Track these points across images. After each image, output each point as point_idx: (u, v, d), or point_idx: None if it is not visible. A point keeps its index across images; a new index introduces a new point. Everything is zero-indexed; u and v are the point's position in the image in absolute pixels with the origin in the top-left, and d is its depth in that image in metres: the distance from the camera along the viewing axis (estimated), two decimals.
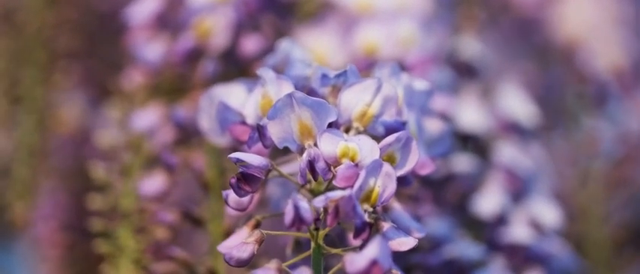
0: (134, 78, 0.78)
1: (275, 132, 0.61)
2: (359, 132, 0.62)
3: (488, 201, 0.78)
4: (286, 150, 0.62)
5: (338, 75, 0.64)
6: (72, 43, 0.92)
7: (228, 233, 0.70)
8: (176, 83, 0.77)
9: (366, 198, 0.59)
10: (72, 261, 1.02)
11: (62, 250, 1.03)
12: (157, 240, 0.72)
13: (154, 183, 0.73)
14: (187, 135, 0.75)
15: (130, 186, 0.75)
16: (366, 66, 0.76)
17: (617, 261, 1.03)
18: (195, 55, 0.75)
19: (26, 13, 0.90)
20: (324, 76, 0.64)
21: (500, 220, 0.78)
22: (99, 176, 0.75)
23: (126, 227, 0.74)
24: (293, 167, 0.64)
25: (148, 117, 0.75)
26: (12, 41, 0.91)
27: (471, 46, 0.84)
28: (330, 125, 0.61)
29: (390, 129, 0.62)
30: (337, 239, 0.64)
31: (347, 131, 0.63)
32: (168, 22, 0.78)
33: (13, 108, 0.91)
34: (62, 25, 0.92)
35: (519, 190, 0.79)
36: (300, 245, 0.65)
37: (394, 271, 0.60)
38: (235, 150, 0.70)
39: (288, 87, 0.62)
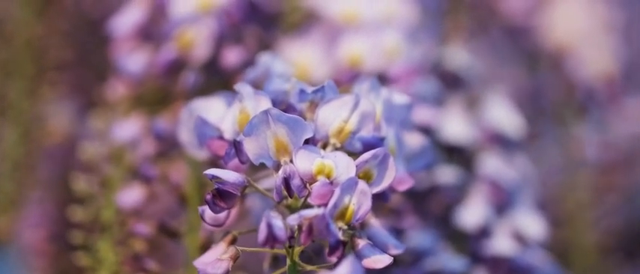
0: (117, 89, 0.77)
1: (251, 148, 0.61)
2: (336, 149, 0.62)
3: (471, 213, 0.78)
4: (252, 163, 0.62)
5: (316, 91, 0.63)
6: (61, 55, 0.91)
7: (204, 247, 0.70)
8: (159, 94, 0.77)
9: (341, 216, 0.59)
10: (60, 270, 1.02)
11: (50, 259, 1.03)
12: (135, 253, 0.72)
13: (132, 194, 0.73)
14: (169, 147, 0.75)
15: (111, 197, 0.74)
16: (350, 77, 0.76)
17: (605, 267, 1.03)
18: (177, 66, 0.75)
19: (15, 24, 0.90)
20: (302, 92, 0.64)
21: (484, 232, 0.78)
22: (80, 188, 0.75)
23: (106, 240, 0.74)
24: (270, 182, 0.64)
25: (130, 129, 0.75)
26: (0, 52, 0.91)
27: (458, 56, 0.84)
28: (307, 141, 0.61)
29: (367, 145, 0.62)
30: (314, 255, 0.64)
31: (324, 147, 0.62)
32: (152, 33, 0.77)
33: None
34: (51, 36, 0.91)
35: (503, 202, 0.79)
36: (277, 261, 0.65)
37: None
38: (214, 163, 0.70)
39: (265, 103, 0.62)
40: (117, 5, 0.80)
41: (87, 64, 0.99)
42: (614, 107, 1.08)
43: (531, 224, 0.79)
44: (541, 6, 1.08)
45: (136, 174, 0.74)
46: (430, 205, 0.79)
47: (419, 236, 0.76)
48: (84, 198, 0.76)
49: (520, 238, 0.78)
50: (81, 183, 0.76)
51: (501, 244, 0.77)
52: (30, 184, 0.91)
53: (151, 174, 0.73)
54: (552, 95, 1.08)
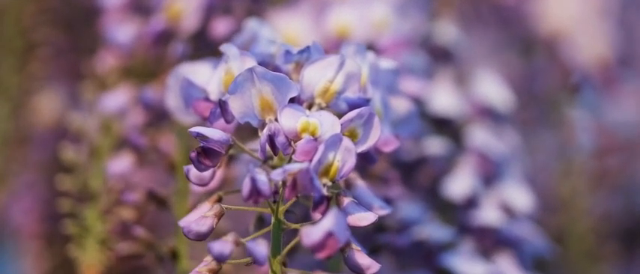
0: (106, 61, 0.78)
1: (236, 107, 0.61)
2: (321, 109, 0.62)
3: (459, 184, 0.78)
4: (255, 130, 0.62)
5: (301, 52, 0.63)
6: (50, 32, 0.92)
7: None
8: (148, 65, 0.77)
9: (325, 172, 0.59)
10: (52, 253, 1.02)
11: (42, 242, 1.03)
12: (123, 221, 0.72)
13: (121, 163, 0.74)
14: (157, 117, 0.75)
15: (99, 167, 0.75)
16: (338, 48, 0.76)
17: (601, 253, 1.03)
18: (165, 37, 0.75)
19: (4, 2, 0.91)
20: (287, 53, 0.64)
21: (471, 203, 0.78)
22: (68, 157, 0.76)
23: (93, 208, 0.74)
24: (257, 144, 0.64)
25: (118, 99, 0.76)
26: None
27: (447, 31, 0.84)
28: (291, 101, 0.61)
29: (353, 106, 0.62)
30: (301, 218, 0.64)
31: (309, 107, 0.62)
32: (141, 4, 0.78)
33: None
34: (41, 13, 0.92)
35: (491, 174, 0.79)
36: (263, 222, 0.65)
37: (353, 245, 0.59)
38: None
39: (250, 63, 0.62)
40: None
41: (76, 47, 0.99)
42: (609, 92, 1.07)
43: (519, 196, 0.79)
44: None
45: (125, 143, 0.74)
46: (418, 176, 0.79)
47: (407, 207, 0.76)
48: (72, 168, 0.76)
49: (508, 210, 0.78)
50: (69, 153, 0.76)
51: (488, 215, 0.77)
52: (20, 160, 0.91)
53: (140, 142, 0.73)
54: (547, 81, 1.08)
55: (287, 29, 0.78)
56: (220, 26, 0.75)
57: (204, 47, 0.76)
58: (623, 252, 1.06)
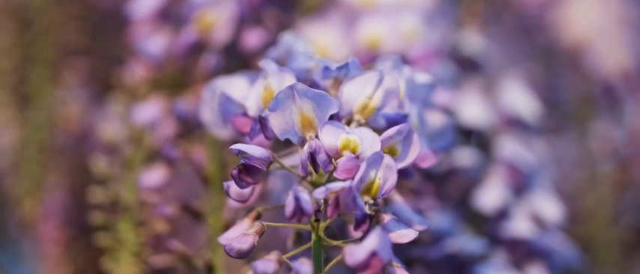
0: (136, 72, 0.77)
1: (276, 123, 0.61)
2: (360, 125, 0.62)
3: (490, 196, 0.77)
4: (288, 143, 0.62)
5: (340, 68, 0.63)
6: (78, 40, 0.91)
7: (227, 226, 0.70)
8: (178, 76, 0.77)
9: (367, 190, 0.59)
10: (73, 258, 1.02)
11: (64, 247, 1.03)
12: (157, 233, 0.72)
13: (154, 175, 0.73)
14: (188, 128, 0.75)
15: (131, 179, 0.74)
16: (369, 59, 0.76)
17: (626, 263, 1.03)
18: (197, 48, 0.75)
19: (34, 11, 0.90)
20: (326, 69, 0.64)
21: (502, 214, 0.78)
22: (100, 169, 0.75)
23: (126, 221, 0.73)
24: (294, 159, 0.64)
25: (150, 111, 0.75)
26: (20, 38, 0.91)
27: (474, 41, 0.84)
28: (331, 117, 0.61)
29: (391, 122, 0.62)
30: (338, 232, 0.64)
31: (348, 123, 0.62)
32: (171, 15, 0.77)
33: (21, 105, 0.91)
34: (69, 22, 0.91)
35: (521, 184, 0.79)
36: (301, 238, 0.65)
37: (394, 263, 0.59)
38: (236, 142, 0.70)
39: (290, 79, 0.62)
40: None
41: (101, 53, 0.99)
42: (632, 101, 1.07)
43: (549, 206, 0.79)
44: (558, 1, 1.08)
45: (158, 155, 0.74)
46: (449, 187, 0.79)
47: (438, 218, 0.76)
48: (103, 180, 0.75)
49: (538, 220, 0.78)
50: (100, 165, 0.76)
51: (520, 226, 0.77)
52: (54, 168, 0.91)
53: (173, 154, 0.73)
54: (569, 90, 1.08)
55: (317, 40, 0.78)
56: (252, 38, 0.75)
57: (235, 58, 0.76)
58: None
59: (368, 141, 0.60)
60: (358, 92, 0.62)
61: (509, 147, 0.79)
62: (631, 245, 1.04)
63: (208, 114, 0.69)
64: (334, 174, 0.60)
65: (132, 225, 0.73)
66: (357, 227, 0.58)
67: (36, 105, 0.90)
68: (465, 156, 0.78)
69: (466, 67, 0.83)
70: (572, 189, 1.05)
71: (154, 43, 0.76)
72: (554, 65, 1.10)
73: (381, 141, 0.60)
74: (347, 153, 0.60)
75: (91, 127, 1.01)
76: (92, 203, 0.75)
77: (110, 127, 0.77)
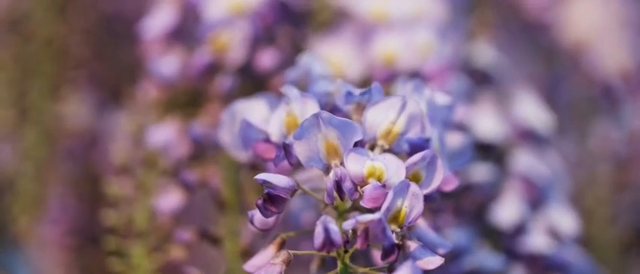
0: (149, 92, 0.77)
1: (301, 151, 0.61)
2: (384, 150, 0.62)
3: (506, 211, 0.77)
4: (299, 164, 0.62)
5: (363, 93, 0.63)
6: (81, 53, 0.91)
7: (245, 252, 0.70)
8: (191, 97, 0.76)
9: (394, 219, 0.59)
10: (80, 265, 1.02)
11: (71, 254, 1.02)
12: (173, 259, 0.72)
13: (170, 199, 0.73)
14: (202, 150, 0.74)
15: (145, 202, 0.74)
16: (386, 76, 0.76)
17: (624, 263, 1.03)
18: (212, 69, 0.74)
19: (35, 23, 0.90)
20: (349, 94, 0.63)
21: (519, 229, 0.77)
22: (113, 192, 0.75)
23: (140, 246, 0.73)
24: (314, 182, 0.64)
25: (165, 132, 0.75)
26: (20, 51, 0.90)
27: (486, 53, 0.84)
28: (355, 144, 0.61)
29: (414, 147, 0.62)
30: (361, 256, 0.64)
31: (371, 148, 0.62)
32: (182, 34, 0.77)
33: (20, 119, 0.90)
34: (71, 35, 0.91)
35: (537, 198, 0.79)
36: (325, 263, 0.65)
37: None
38: (254, 165, 0.70)
39: (313, 106, 0.62)
40: (136, 3, 0.79)
41: (105, 59, 0.99)
42: (632, 102, 1.08)
43: (565, 220, 0.79)
44: (557, 2, 1.08)
45: (173, 179, 0.73)
46: (464, 203, 0.78)
47: (455, 235, 0.76)
48: (116, 202, 0.75)
49: (555, 234, 0.78)
50: (114, 187, 0.75)
51: (537, 241, 0.77)
52: (51, 184, 0.91)
53: (190, 179, 0.73)
54: (570, 91, 1.08)
55: (331, 56, 0.78)
56: (266, 58, 0.75)
57: (249, 78, 0.75)
58: None
59: (393, 168, 0.60)
60: (381, 117, 0.62)
61: (524, 161, 0.79)
62: (629, 245, 1.04)
63: (228, 137, 0.68)
64: (361, 203, 0.60)
65: (146, 250, 0.73)
66: (384, 257, 0.58)
67: (34, 120, 0.89)
68: (481, 171, 0.78)
69: (478, 79, 0.82)
70: (572, 190, 1.05)
71: (167, 64, 0.76)
72: (554, 66, 1.11)
73: (406, 168, 0.60)
74: (373, 181, 0.60)
75: (98, 133, 1.01)
76: (105, 226, 0.75)
77: (122, 149, 0.76)
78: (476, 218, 0.78)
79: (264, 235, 0.65)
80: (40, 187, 0.90)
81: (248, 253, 0.65)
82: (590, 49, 1.07)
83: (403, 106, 0.62)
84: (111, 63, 1.00)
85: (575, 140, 1.08)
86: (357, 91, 0.63)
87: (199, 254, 0.81)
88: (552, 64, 1.10)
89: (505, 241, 0.78)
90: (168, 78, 0.75)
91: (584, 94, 1.08)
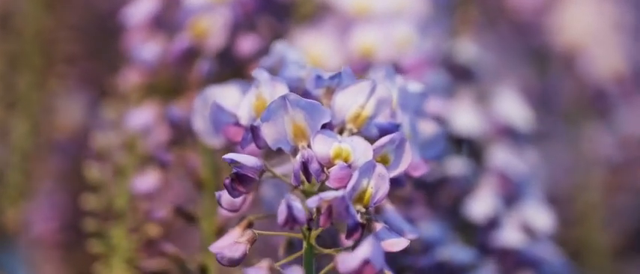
0: (130, 78, 0.78)
1: (268, 133, 0.61)
2: (352, 134, 0.62)
3: (481, 205, 0.78)
4: (279, 151, 0.62)
5: (332, 77, 0.64)
6: (70, 48, 0.91)
7: (220, 231, 0.70)
8: (172, 83, 0.77)
9: (359, 199, 0.59)
10: (72, 261, 1.02)
11: (62, 250, 1.03)
12: (150, 238, 0.72)
13: (147, 180, 0.74)
14: (182, 134, 0.75)
15: (124, 185, 0.75)
16: (362, 68, 0.76)
17: (617, 267, 1.03)
18: (191, 55, 0.75)
19: (24, 17, 0.91)
20: (319, 78, 0.64)
21: (493, 224, 0.78)
22: (93, 176, 0.76)
23: (119, 227, 0.74)
24: (286, 167, 0.64)
25: (143, 116, 0.75)
26: (9, 45, 0.91)
27: (468, 49, 0.84)
28: (323, 126, 0.61)
29: (383, 131, 0.62)
30: (329, 240, 0.64)
31: (340, 132, 0.63)
32: (165, 22, 0.78)
33: (7, 113, 0.91)
34: (60, 29, 0.92)
35: (512, 194, 0.79)
36: (292, 246, 0.66)
37: (386, 272, 0.60)
38: (229, 150, 0.70)
39: (282, 89, 0.62)
40: None
41: (96, 56, 0.99)
42: (625, 106, 1.08)
43: (540, 216, 0.79)
44: (550, 5, 1.08)
45: (151, 161, 0.74)
46: (439, 196, 0.79)
47: (429, 227, 0.76)
48: (96, 187, 0.76)
49: (529, 230, 0.78)
50: (94, 172, 0.76)
51: (510, 236, 0.77)
52: (39, 177, 0.91)
53: (166, 158, 0.73)
54: (563, 94, 1.08)
55: (311, 48, 0.78)
56: (246, 44, 0.76)
57: (229, 65, 0.76)
58: (638, 265, 1.06)
59: (360, 150, 0.60)
60: (350, 101, 0.62)
61: (501, 157, 0.79)
62: (622, 249, 1.04)
63: (200, 122, 0.69)
64: (326, 183, 0.60)
65: (125, 231, 0.73)
66: (349, 235, 0.59)
67: (22, 114, 0.90)
68: (457, 165, 0.78)
69: (459, 75, 0.83)
70: (564, 193, 1.06)
71: (148, 49, 0.76)
72: (548, 69, 1.11)
73: (374, 150, 0.61)
74: (339, 162, 0.60)
75: (88, 130, 1.01)
76: (85, 210, 0.75)
77: (103, 134, 0.77)
78: (450, 211, 0.79)
79: (237, 215, 0.65)
80: (29, 180, 0.91)
81: (223, 232, 0.65)
82: (584, 52, 1.08)
83: (372, 90, 0.63)
84: (101, 59, 1.01)
85: (568, 144, 1.08)
86: (326, 75, 0.64)
87: (182, 235, 0.82)
88: (545, 67, 1.10)
89: (479, 235, 0.78)
90: (149, 64, 0.76)
91: (577, 98, 1.08)
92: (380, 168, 0.59)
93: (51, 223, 1.03)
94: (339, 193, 0.58)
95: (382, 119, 0.63)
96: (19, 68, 0.91)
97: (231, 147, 0.68)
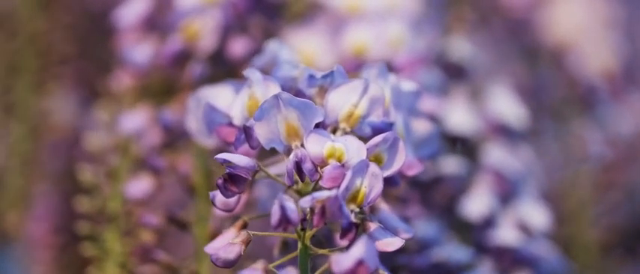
0: (122, 80, 0.77)
1: (262, 133, 0.61)
2: (346, 133, 0.62)
3: (476, 203, 0.77)
4: (274, 152, 0.62)
5: (325, 76, 0.63)
6: (65, 49, 0.91)
7: (213, 236, 0.70)
8: (164, 85, 0.77)
9: (353, 199, 0.59)
10: (65, 263, 1.02)
11: (55, 252, 1.03)
12: (143, 243, 0.72)
13: (140, 185, 0.73)
14: (174, 137, 0.75)
15: (118, 188, 0.74)
16: (355, 67, 0.76)
17: (606, 264, 1.03)
18: (183, 57, 0.75)
19: (19, 19, 0.90)
20: (311, 77, 0.64)
21: (489, 222, 0.77)
22: (86, 179, 0.75)
23: (112, 231, 0.73)
24: (280, 168, 0.64)
25: (136, 119, 0.75)
26: (5, 47, 0.91)
27: (461, 48, 0.84)
28: (317, 126, 0.61)
29: (376, 130, 0.62)
30: (324, 240, 0.64)
31: (334, 132, 0.62)
32: (157, 24, 0.77)
33: (5, 115, 0.91)
34: (55, 31, 0.91)
35: (507, 192, 0.79)
36: (287, 246, 0.65)
37: (381, 271, 0.59)
38: (222, 151, 0.70)
39: (274, 88, 0.62)
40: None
41: (90, 57, 0.99)
42: (615, 103, 1.08)
43: (536, 214, 0.79)
44: (541, 2, 1.08)
45: (143, 165, 0.74)
46: (434, 195, 0.79)
47: (424, 226, 0.76)
48: (90, 189, 0.75)
49: (524, 228, 0.78)
50: (87, 174, 0.76)
51: (506, 234, 0.77)
52: (38, 179, 0.91)
53: (159, 164, 0.73)
54: (553, 91, 1.08)
55: (303, 48, 0.78)
56: (237, 46, 0.75)
57: (221, 67, 0.76)
58: (628, 263, 1.06)
59: (353, 150, 0.60)
60: (343, 100, 0.62)
61: (496, 155, 0.79)
62: (612, 246, 1.04)
63: (194, 123, 0.69)
64: (320, 183, 0.60)
65: (118, 235, 0.73)
66: (343, 236, 0.58)
67: (19, 116, 0.89)
68: (452, 164, 0.78)
69: (453, 73, 0.83)
70: (554, 190, 1.05)
71: (140, 51, 0.76)
72: (538, 66, 1.11)
73: (367, 150, 0.60)
74: (332, 162, 0.60)
75: (81, 131, 1.01)
76: (79, 212, 0.75)
77: (95, 136, 0.77)
78: (446, 210, 0.78)
79: (231, 217, 0.65)
80: (27, 182, 0.90)
81: (216, 237, 0.65)
82: (574, 49, 1.08)
83: (365, 89, 0.62)
84: (96, 60, 1.00)
85: (557, 140, 1.08)
86: (319, 74, 0.63)
87: (176, 240, 0.82)
88: (535, 63, 1.10)
89: (474, 234, 0.78)
90: (142, 66, 0.76)
91: (567, 95, 1.08)
92: (373, 167, 0.59)
93: (44, 225, 1.03)
94: (332, 193, 0.58)
95: (375, 118, 0.63)
96: (15, 70, 0.91)
97: (224, 148, 0.68)
